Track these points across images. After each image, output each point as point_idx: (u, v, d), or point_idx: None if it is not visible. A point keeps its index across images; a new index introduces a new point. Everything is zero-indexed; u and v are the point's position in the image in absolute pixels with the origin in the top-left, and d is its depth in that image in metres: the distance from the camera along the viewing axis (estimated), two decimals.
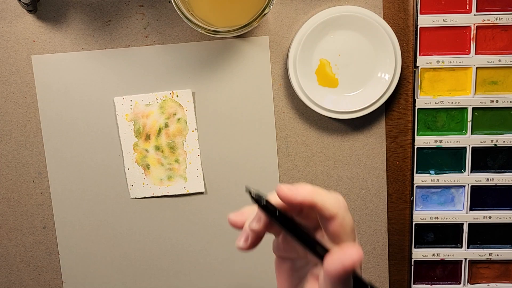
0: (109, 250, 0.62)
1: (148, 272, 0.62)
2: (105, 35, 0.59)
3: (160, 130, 0.60)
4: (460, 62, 0.59)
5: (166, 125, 0.60)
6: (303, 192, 0.39)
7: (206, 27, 0.51)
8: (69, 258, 0.61)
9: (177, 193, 0.61)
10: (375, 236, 0.62)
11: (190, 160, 0.60)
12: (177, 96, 0.59)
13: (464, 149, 0.61)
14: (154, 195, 0.61)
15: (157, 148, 0.60)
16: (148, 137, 0.60)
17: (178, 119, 0.60)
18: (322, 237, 0.40)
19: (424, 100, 0.60)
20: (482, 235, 0.62)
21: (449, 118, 0.60)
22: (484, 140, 0.60)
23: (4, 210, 0.61)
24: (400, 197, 0.61)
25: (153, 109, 0.59)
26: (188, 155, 0.60)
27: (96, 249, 0.62)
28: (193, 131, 0.60)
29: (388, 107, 0.60)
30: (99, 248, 0.62)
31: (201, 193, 0.61)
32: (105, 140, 0.60)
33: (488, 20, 0.58)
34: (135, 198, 0.61)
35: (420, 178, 0.61)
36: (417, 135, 0.60)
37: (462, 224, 0.62)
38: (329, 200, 0.39)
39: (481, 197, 0.62)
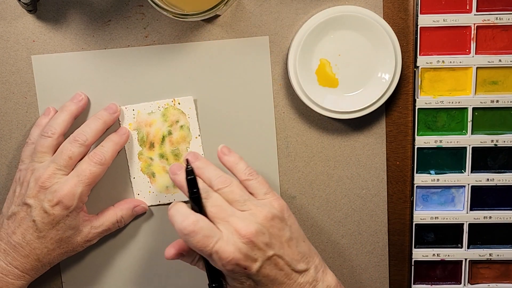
0: (111, 252, 0.62)
1: (150, 275, 0.62)
2: (105, 35, 0.59)
3: (163, 138, 0.60)
4: (460, 62, 0.59)
5: (170, 133, 0.60)
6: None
7: (173, 10, 0.51)
8: (69, 258, 0.61)
9: (183, 200, 0.61)
10: (375, 236, 0.62)
11: None
12: (179, 103, 0.59)
13: (464, 149, 0.61)
14: (160, 203, 0.61)
15: (162, 156, 0.60)
16: (152, 145, 0.60)
17: (181, 126, 0.60)
18: None
19: (424, 100, 0.60)
20: (482, 235, 0.62)
21: (449, 118, 0.60)
22: (485, 140, 0.60)
23: None
24: (400, 197, 0.61)
25: (155, 118, 0.60)
26: None
27: (96, 251, 0.61)
28: (196, 137, 0.60)
29: (388, 107, 0.60)
30: (99, 249, 0.61)
31: None
32: None
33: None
34: None
35: (420, 178, 0.61)
36: (417, 135, 0.60)
37: (462, 224, 0.62)
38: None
39: (482, 197, 0.62)
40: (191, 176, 0.51)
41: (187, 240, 0.49)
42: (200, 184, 0.52)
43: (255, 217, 0.50)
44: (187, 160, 0.53)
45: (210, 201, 0.51)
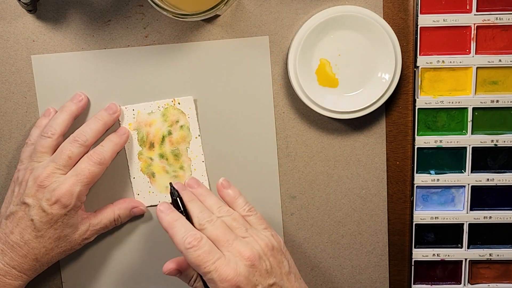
0: (111, 252, 0.62)
1: (150, 275, 0.62)
2: (105, 35, 0.59)
3: (163, 138, 0.60)
4: (460, 62, 0.59)
5: (170, 133, 0.60)
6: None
7: (174, 11, 0.51)
8: (69, 258, 0.61)
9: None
10: (375, 236, 0.62)
11: (195, 166, 0.60)
12: (179, 103, 0.59)
13: (464, 149, 0.61)
14: (160, 203, 0.61)
15: (162, 156, 0.60)
16: (152, 145, 0.60)
17: (181, 126, 0.60)
18: None
19: (424, 100, 0.60)
20: (482, 235, 0.62)
21: (449, 118, 0.60)
22: (485, 140, 0.60)
23: None
24: (400, 197, 0.61)
25: (155, 118, 0.60)
26: (193, 162, 0.60)
27: (96, 251, 0.61)
28: (196, 137, 0.60)
29: (388, 107, 0.60)
30: (99, 249, 0.61)
31: None
32: None
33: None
34: None
35: (420, 178, 0.61)
36: (417, 135, 0.60)
37: (463, 224, 0.62)
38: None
39: (482, 197, 0.62)
40: (175, 197, 0.53)
41: (187, 254, 0.48)
42: (202, 208, 0.52)
43: (257, 244, 0.50)
44: (171, 184, 0.54)
45: (213, 224, 0.50)
